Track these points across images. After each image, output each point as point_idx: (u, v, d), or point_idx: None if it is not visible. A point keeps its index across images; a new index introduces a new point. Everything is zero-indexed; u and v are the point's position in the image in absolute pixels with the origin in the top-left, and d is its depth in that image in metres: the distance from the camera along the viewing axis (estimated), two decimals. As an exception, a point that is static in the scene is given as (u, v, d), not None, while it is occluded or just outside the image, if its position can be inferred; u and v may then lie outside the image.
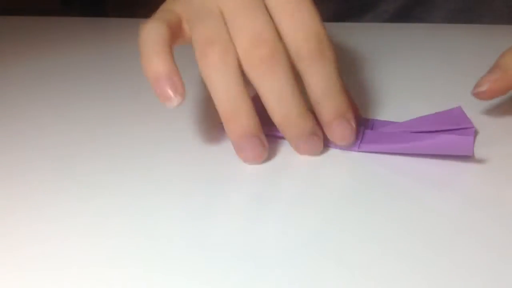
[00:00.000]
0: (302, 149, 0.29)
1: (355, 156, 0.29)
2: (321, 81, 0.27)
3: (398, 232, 0.23)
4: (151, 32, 0.28)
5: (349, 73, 0.40)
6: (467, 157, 0.28)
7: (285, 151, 0.30)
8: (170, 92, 0.26)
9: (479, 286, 0.20)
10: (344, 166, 0.28)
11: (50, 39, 0.53)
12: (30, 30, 0.57)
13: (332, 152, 0.29)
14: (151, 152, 0.30)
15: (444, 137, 0.28)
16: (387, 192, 0.26)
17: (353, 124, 0.28)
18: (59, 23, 0.59)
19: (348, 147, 0.29)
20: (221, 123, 0.29)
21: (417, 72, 0.40)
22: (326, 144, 0.30)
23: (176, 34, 0.29)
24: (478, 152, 0.29)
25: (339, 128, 0.28)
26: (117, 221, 0.24)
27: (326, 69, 0.27)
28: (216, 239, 0.23)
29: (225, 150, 0.30)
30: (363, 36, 0.48)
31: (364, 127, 0.31)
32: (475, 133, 0.30)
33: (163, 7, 0.31)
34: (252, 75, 0.27)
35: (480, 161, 0.28)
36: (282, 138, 0.30)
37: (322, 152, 0.29)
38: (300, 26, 0.27)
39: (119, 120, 0.34)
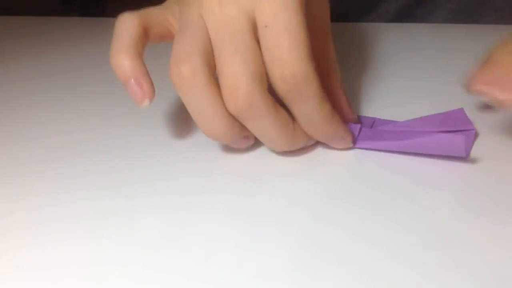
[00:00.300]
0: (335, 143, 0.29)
1: (354, 154, 0.29)
2: (303, 117, 0.27)
3: (397, 231, 0.23)
4: (124, 27, 0.28)
5: (350, 73, 0.40)
6: (465, 157, 0.28)
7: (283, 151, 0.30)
8: (139, 95, 0.27)
9: (478, 285, 0.20)
10: (343, 165, 0.28)
11: (50, 39, 0.53)
12: (30, 30, 0.57)
13: (331, 150, 0.29)
14: (151, 152, 0.30)
15: (437, 136, 0.28)
16: (386, 191, 0.26)
17: (348, 138, 0.29)
18: (59, 23, 0.59)
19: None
20: None
21: (418, 72, 0.40)
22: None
23: (155, 32, 0.29)
24: (478, 151, 0.29)
25: (335, 145, 0.29)
26: (117, 221, 0.24)
27: (307, 107, 0.26)
28: (216, 239, 0.23)
29: (225, 150, 0.30)
30: (364, 36, 0.48)
31: (362, 125, 0.31)
32: (476, 135, 0.30)
33: (166, 2, 0.31)
34: (239, 119, 0.26)
35: (479, 160, 0.28)
36: None
37: (320, 151, 0.29)
38: (277, 66, 0.25)
39: (119, 120, 0.34)
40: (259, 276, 0.21)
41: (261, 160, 0.29)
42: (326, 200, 0.25)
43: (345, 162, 0.29)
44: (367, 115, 0.33)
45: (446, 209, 0.25)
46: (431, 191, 0.26)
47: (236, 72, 0.25)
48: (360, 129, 0.30)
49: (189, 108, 0.27)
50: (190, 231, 0.24)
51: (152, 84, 0.28)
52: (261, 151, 0.30)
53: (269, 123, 0.26)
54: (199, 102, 0.26)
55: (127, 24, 0.28)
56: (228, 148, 0.30)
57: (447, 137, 0.27)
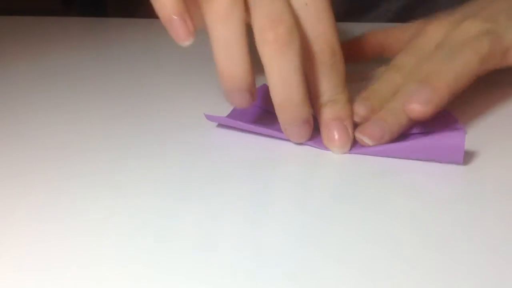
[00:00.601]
0: (292, 133, 0.29)
1: (353, 155, 0.29)
2: (330, 88, 0.29)
3: (397, 231, 0.23)
4: None
5: (349, 73, 0.40)
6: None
7: (284, 151, 0.30)
8: (182, 32, 0.28)
9: (478, 285, 0.20)
10: (343, 165, 0.28)
11: (50, 39, 0.53)
12: (30, 30, 0.57)
13: (330, 151, 0.29)
14: (151, 152, 0.30)
15: (435, 142, 0.28)
16: (385, 191, 0.26)
17: (350, 132, 0.29)
18: (59, 23, 0.59)
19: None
20: (218, 121, 0.29)
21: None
22: (319, 146, 0.30)
23: None
24: (472, 148, 0.29)
25: (336, 129, 0.29)
26: (117, 221, 0.24)
27: (335, 80, 0.29)
28: (216, 239, 0.23)
29: (225, 151, 0.30)
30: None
31: None
32: (464, 132, 0.30)
33: None
34: (264, 52, 0.27)
35: (476, 159, 0.28)
36: (280, 138, 0.30)
37: (318, 152, 0.29)
38: (317, 36, 0.29)
39: (119, 120, 0.34)
40: (259, 276, 0.21)
41: (261, 160, 0.29)
42: (325, 200, 0.25)
43: (344, 162, 0.29)
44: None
45: (446, 209, 0.25)
46: (430, 191, 0.26)
47: (280, 7, 0.27)
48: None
49: (217, 40, 0.28)
50: (190, 232, 0.23)
51: (194, 22, 0.29)
52: (261, 152, 0.30)
53: (295, 64, 0.27)
54: (232, 34, 0.27)
55: None
56: (228, 149, 0.30)
57: (446, 146, 0.27)
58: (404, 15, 0.55)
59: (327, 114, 0.30)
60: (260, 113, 0.33)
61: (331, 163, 0.29)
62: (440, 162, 0.28)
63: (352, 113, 0.30)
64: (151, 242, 0.23)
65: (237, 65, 0.27)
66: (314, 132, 0.30)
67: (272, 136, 0.31)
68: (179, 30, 0.28)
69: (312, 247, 0.22)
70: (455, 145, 0.27)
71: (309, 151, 0.30)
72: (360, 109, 0.30)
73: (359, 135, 0.29)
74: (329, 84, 0.29)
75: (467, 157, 0.28)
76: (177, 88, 0.40)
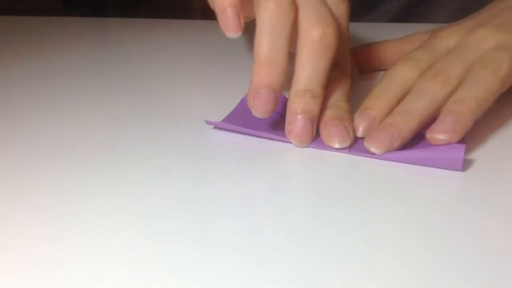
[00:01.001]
0: (296, 126, 0.29)
1: (352, 155, 0.29)
2: (337, 94, 0.31)
3: (397, 232, 0.23)
4: None
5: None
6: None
7: (283, 153, 0.30)
8: (233, 24, 0.29)
9: (478, 286, 0.20)
10: (342, 165, 0.28)
11: (50, 39, 0.53)
12: (30, 30, 0.57)
13: (329, 152, 0.30)
14: (151, 152, 0.30)
15: (434, 153, 0.27)
16: (384, 193, 0.26)
17: (351, 132, 0.29)
18: (59, 23, 0.59)
19: (339, 150, 0.29)
20: (218, 125, 0.29)
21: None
22: (319, 146, 0.30)
23: None
24: (473, 152, 0.29)
25: (336, 128, 0.29)
26: (117, 221, 0.24)
27: (343, 89, 0.31)
28: (216, 239, 0.23)
29: (225, 152, 0.30)
30: (365, 36, 0.48)
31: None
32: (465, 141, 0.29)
33: None
34: (306, 48, 0.29)
35: (476, 161, 0.28)
36: (283, 141, 0.30)
37: (318, 154, 0.29)
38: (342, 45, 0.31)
39: (119, 120, 0.34)
40: (259, 276, 0.21)
41: (261, 160, 0.29)
42: (325, 201, 0.25)
43: (344, 163, 0.29)
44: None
45: (445, 211, 0.24)
46: (430, 191, 0.26)
47: (328, 11, 0.30)
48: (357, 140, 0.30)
49: (265, 25, 0.29)
50: (190, 232, 0.23)
51: (245, 17, 0.30)
52: (261, 153, 0.30)
53: (327, 65, 0.30)
54: (281, 27, 0.29)
55: None
56: (228, 150, 0.30)
57: (445, 155, 0.27)
58: (405, 15, 0.55)
59: (328, 115, 0.30)
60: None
61: (331, 165, 0.29)
62: (440, 168, 0.27)
63: (352, 119, 0.30)
64: (150, 242, 0.23)
65: (277, 58, 0.28)
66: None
67: (273, 139, 0.31)
68: (230, 22, 0.29)
69: (312, 247, 0.22)
70: (455, 154, 0.27)
71: (309, 153, 0.30)
72: (363, 122, 0.30)
73: (366, 144, 0.29)
74: (337, 90, 0.31)
75: (466, 159, 0.28)
76: (177, 88, 0.40)
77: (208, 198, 0.26)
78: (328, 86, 0.31)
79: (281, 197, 0.26)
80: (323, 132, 0.30)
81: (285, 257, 0.22)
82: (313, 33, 0.29)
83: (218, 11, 0.30)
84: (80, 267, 0.21)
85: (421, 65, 0.32)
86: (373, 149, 0.28)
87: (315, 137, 0.30)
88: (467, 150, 0.29)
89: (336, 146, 0.29)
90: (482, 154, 0.29)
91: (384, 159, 0.28)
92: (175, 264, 0.21)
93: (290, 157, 0.29)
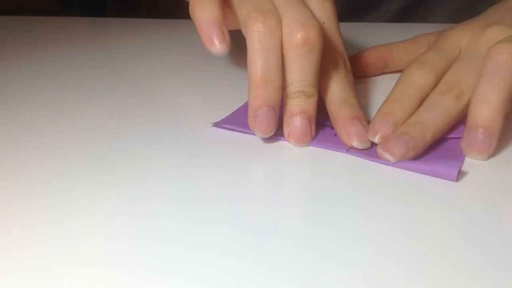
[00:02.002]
0: (295, 127, 0.30)
1: (352, 157, 0.29)
2: (343, 91, 0.31)
3: (397, 232, 0.23)
4: None
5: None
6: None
7: (283, 153, 0.30)
8: (216, 39, 0.29)
9: (477, 285, 0.20)
10: (342, 165, 0.28)
11: (50, 39, 0.53)
12: (30, 30, 0.57)
13: (329, 151, 0.30)
14: (151, 152, 0.30)
15: (431, 166, 0.27)
16: (384, 193, 0.26)
17: (367, 128, 0.30)
18: (59, 23, 0.59)
19: (337, 149, 0.30)
20: (216, 124, 0.29)
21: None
22: (317, 145, 0.30)
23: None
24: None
25: (355, 128, 0.30)
26: (117, 221, 0.24)
27: (348, 86, 0.32)
28: (216, 239, 0.23)
29: (225, 153, 0.30)
30: (365, 37, 0.48)
31: None
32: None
33: None
34: (290, 53, 0.29)
35: (476, 162, 0.28)
36: (284, 140, 0.30)
37: (318, 153, 0.29)
38: (334, 44, 0.32)
39: (119, 120, 0.34)
40: (259, 276, 0.21)
41: (261, 160, 0.29)
42: (325, 201, 0.25)
43: (343, 163, 0.29)
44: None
45: (445, 209, 0.24)
46: (430, 191, 0.26)
47: (309, 12, 0.30)
48: None
49: (257, 48, 0.29)
50: (190, 232, 0.23)
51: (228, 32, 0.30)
52: (261, 152, 0.30)
53: (315, 66, 0.30)
54: (272, 46, 0.29)
55: None
56: (228, 151, 0.30)
57: (442, 168, 0.27)
58: (404, 16, 0.55)
59: (345, 113, 0.30)
60: None
61: (330, 164, 0.29)
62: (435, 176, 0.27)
63: (366, 117, 0.31)
64: (151, 242, 0.23)
65: (271, 78, 0.29)
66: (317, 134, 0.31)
67: (274, 138, 0.31)
68: (214, 34, 0.29)
69: (312, 247, 0.22)
70: (452, 165, 0.27)
71: (308, 153, 0.30)
72: (383, 128, 0.29)
73: (381, 151, 0.28)
74: (345, 85, 0.31)
75: (466, 160, 0.28)
76: (177, 87, 0.40)
77: (208, 198, 0.26)
78: (335, 81, 0.31)
79: (281, 196, 0.26)
80: (342, 131, 0.30)
81: (285, 257, 0.22)
82: (296, 38, 0.29)
83: (198, 26, 0.30)
84: (80, 267, 0.21)
85: (437, 69, 0.32)
86: (387, 156, 0.28)
87: (314, 135, 0.30)
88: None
89: (355, 145, 0.29)
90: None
91: (381, 163, 0.28)
92: (174, 263, 0.21)
93: (289, 156, 0.29)
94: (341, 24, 0.34)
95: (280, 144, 0.31)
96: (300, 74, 0.29)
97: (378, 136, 0.29)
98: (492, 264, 0.21)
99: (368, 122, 0.31)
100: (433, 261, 0.21)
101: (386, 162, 0.28)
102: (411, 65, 0.32)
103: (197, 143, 0.31)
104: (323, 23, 0.32)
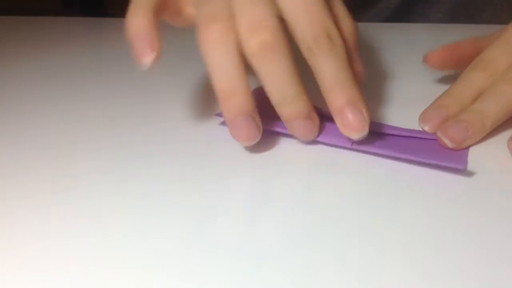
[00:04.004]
0: (298, 131, 0.29)
1: (353, 156, 0.29)
2: (332, 72, 0.27)
3: (396, 232, 0.23)
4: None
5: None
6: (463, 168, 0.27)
7: (285, 150, 0.30)
8: (146, 48, 0.28)
9: (477, 285, 0.20)
10: (342, 165, 0.28)
11: (50, 39, 0.53)
12: (30, 30, 0.57)
13: (329, 152, 0.29)
14: (151, 152, 0.30)
15: (439, 155, 0.27)
16: (385, 193, 0.26)
17: (366, 114, 0.27)
18: (59, 23, 0.59)
19: (341, 143, 0.29)
20: (217, 115, 0.29)
21: (416, 73, 0.39)
22: (321, 140, 0.30)
23: (168, 7, 0.30)
24: (476, 152, 0.29)
25: (351, 116, 0.27)
26: (117, 221, 0.24)
27: (337, 62, 0.27)
28: (216, 239, 0.23)
29: (226, 151, 0.30)
30: (364, 36, 0.48)
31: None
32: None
33: None
34: (252, 60, 0.27)
35: (478, 162, 0.28)
36: (285, 134, 0.30)
37: (319, 152, 0.29)
38: (309, 21, 0.27)
39: (119, 120, 0.34)
40: (259, 276, 0.21)
41: (261, 159, 0.29)
42: (326, 201, 0.25)
43: (346, 162, 0.29)
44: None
45: (445, 208, 0.24)
46: (429, 191, 0.26)
47: (262, 10, 0.27)
48: None
49: (213, 67, 0.27)
50: (190, 233, 0.23)
51: (161, 45, 0.28)
52: (262, 150, 0.30)
53: (287, 65, 0.27)
54: (227, 60, 0.27)
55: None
56: (229, 149, 0.30)
57: (450, 157, 0.27)
58: (403, 12, 0.55)
59: (337, 101, 0.27)
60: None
61: (333, 164, 0.29)
62: (442, 165, 0.27)
63: (362, 95, 0.28)
64: (151, 241, 0.23)
65: (236, 87, 0.27)
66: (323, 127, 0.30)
67: (279, 132, 0.30)
68: (143, 48, 0.28)
69: (312, 247, 0.22)
70: (460, 154, 0.27)
71: (311, 151, 0.30)
72: (435, 117, 0.29)
73: (440, 134, 0.28)
74: (331, 70, 0.27)
75: (470, 160, 0.28)
76: (177, 87, 0.40)
77: (208, 198, 0.26)
78: (323, 66, 0.27)
79: (280, 196, 0.26)
80: (338, 123, 0.28)
81: (285, 256, 0.22)
82: (250, 45, 0.27)
83: (129, 37, 0.28)
84: (80, 267, 0.22)
85: (498, 69, 0.31)
86: (446, 141, 0.28)
87: (323, 130, 0.30)
88: (472, 149, 0.29)
89: (353, 137, 0.28)
90: (485, 154, 0.29)
91: (385, 155, 0.28)
92: (175, 263, 0.21)
93: (288, 155, 0.29)
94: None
95: (279, 141, 0.30)
96: (275, 83, 0.27)
97: (429, 125, 0.29)
98: (493, 264, 0.21)
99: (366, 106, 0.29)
100: (433, 261, 0.21)
101: (392, 154, 0.28)
102: (474, 64, 0.32)
103: (197, 143, 0.31)
104: None
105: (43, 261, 0.22)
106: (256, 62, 0.27)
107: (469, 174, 0.27)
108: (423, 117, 0.30)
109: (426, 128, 0.29)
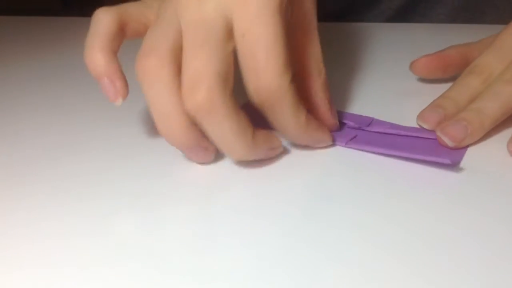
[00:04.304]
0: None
1: (348, 155, 0.29)
2: (278, 126, 0.27)
3: (395, 231, 0.23)
4: (99, 23, 0.29)
5: (349, 73, 0.40)
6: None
7: (281, 152, 0.30)
8: (112, 93, 0.28)
9: (477, 285, 0.20)
10: (341, 165, 0.28)
11: (50, 39, 0.53)
12: (30, 30, 0.57)
13: (326, 150, 0.29)
14: (151, 152, 0.30)
15: (434, 152, 0.28)
16: (383, 192, 0.26)
17: (326, 140, 0.29)
18: (59, 23, 0.59)
19: (337, 141, 0.30)
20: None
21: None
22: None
23: (132, 28, 0.29)
24: (475, 151, 0.29)
25: (313, 146, 0.29)
26: (117, 221, 0.24)
27: (280, 117, 0.26)
28: (214, 240, 0.23)
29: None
30: (364, 36, 0.48)
31: (359, 125, 0.31)
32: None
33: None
34: (197, 120, 0.25)
35: (474, 159, 0.28)
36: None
37: (316, 153, 0.29)
38: (252, 76, 0.25)
39: (119, 120, 0.34)
40: (258, 276, 0.21)
41: (260, 160, 0.29)
42: (324, 201, 0.25)
43: (343, 163, 0.29)
44: (366, 114, 0.33)
45: (445, 208, 0.24)
46: (428, 190, 0.26)
47: (200, 66, 0.24)
48: (355, 133, 0.30)
49: (149, 104, 0.26)
50: (189, 233, 0.23)
51: (125, 82, 0.28)
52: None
53: (227, 127, 0.25)
54: (160, 98, 0.25)
55: (103, 21, 0.28)
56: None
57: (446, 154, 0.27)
58: (405, 13, 0.54)
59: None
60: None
61: (330, 164, 0.29)
62: (437, 162, 0.27)
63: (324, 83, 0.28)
64: (151, 241, 0.23)
65: (173, 128, 0.26)
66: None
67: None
68: (108, 91, 0.28)
69: (312, 247, 0.22)
70: (457, 151, 0.27)
71: (308, 152, 0.30)
72: (432, 116, 0.30)
73: (439, 134, 0.29)
74: (273, 121, 0.26)
75: (466, 159, 0.28)
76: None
77: (208, 198, 0.26)
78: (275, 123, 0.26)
79: (280, 195, 0.26)
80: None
81: (285, 256, 0.22)
82: (187, 106, 0.24)
83: (96, 80, 0.28)
84: (80, 267, 0.21)
85: (495, 73, 0.31)
86: (445, 140, 0.28)
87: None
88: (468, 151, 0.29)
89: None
90: (483, 152, 0.29)
91: (381, 153, 0.28)
92: (175, 264, 0.21)
93: (287, 154, 0.29)
94: (340, 24, 0.34)
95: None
96: (215, 139, 0.26)
97: (426, 125, 0.30)
98: (493, 264, 0.21)
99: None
100: (433, 261, 0.21)
101: (385, 152, 0.28)
102: (469, 69, 0.32)
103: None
104: (243, 35, 0.24)
105: (43, 261, 0.22)
106: (200, 123, 0.25)
107: (468, 173, 0.27)
108: (421, 117, 0.31)
109: (425, 126, 0.30)
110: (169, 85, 0.25)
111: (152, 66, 0.25)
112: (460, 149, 0.28)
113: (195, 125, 0.25)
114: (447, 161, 0.26)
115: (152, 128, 0.33)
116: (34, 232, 0.24)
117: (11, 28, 0.57)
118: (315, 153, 0.29)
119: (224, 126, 0.25)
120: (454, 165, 0.27)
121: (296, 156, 0.29)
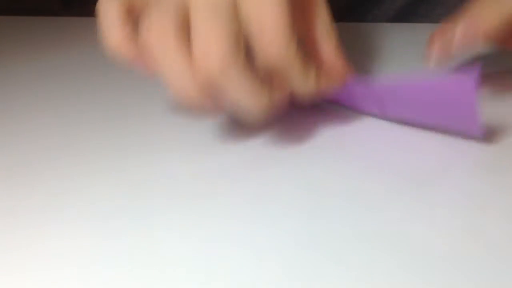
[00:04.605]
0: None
1: (351, 151, 0.29)
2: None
3: (395, 231, 0.23)
4: (109, 11, 0.29)
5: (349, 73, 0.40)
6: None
7: (283, 150, 0.30)
8: (143, 71, 0.28)
9: (477, 285, 0.20)
10: (342, 164, 0.28)
11: (50, 39, 0.53)
12: (30, 30, 0.57)
13: (325, 148, 0.29)
14: (151, 152, 0.30)
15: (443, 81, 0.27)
16: (384, 192, 0.26)
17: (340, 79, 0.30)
18: (59, 23, 0.59)
19: (368, 109, 0.31)
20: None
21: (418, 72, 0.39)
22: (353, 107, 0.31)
23: (138, 10, 0.30)
24: (479, 145, 0.29)
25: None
26: (117, 222, 0.24)
27: (291, 81, 0.27)
28: (214, 240, 0.23)
29: (224, 150, 0.30)
30: (364, 37, 0.48)
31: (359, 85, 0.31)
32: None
33: None
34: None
35: (480, 158, 0.28)
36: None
37: (317, 151, 0.29)
38: (261, 46, 0.25)
39: (119, 120, 0.34)
40: (257, 276, 0.21)
41: (260, 159, 0.29)
42: (325, 200, 0.25)
43: (344, 161, 0.29)
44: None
45: (445, 208, 0.24)
46: (428, 190, 0.26)
47: (212, 32, 0.24)
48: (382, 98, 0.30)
49: (161, 65, 0.26)
50: (189, 233, 0.23)
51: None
52: (260, 151, 0.30)
53: (242, 91, 0.25)
54: (173, 57, 0.26)
55: (112, 8, 0.29)
56: (228, 149, 0.30)
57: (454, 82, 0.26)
58: (406, 13, 0.55)
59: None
60: None
61: (330, 164, 0.29)
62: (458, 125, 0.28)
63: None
64: (151, 243, 0.23)
65: (188, 90, 0.26)
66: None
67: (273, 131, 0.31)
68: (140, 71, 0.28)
69: (312, 247, 0.22)
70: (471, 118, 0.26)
71: (308, 150, 0.30)
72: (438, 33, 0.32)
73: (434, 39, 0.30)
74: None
75: (467, 154, 0.28)
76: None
77: (208, 198, 0.26)
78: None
79: (279, 195, 0.26)
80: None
81: (285, 256, 0.22)
82: (200, 76, 0.25)
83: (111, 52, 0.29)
84: (80, 267, 0.21)
85: None
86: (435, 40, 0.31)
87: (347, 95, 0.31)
88: (473, 148, 0.29)
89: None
90: (485, 151, 0.29)
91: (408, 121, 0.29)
92: (175, 264, 0.21)
93: (287, 154, 0.29)
94: (340, 24, 0.34)
95: (277, 140, 0.30)
96: (240, 102, 0.26)
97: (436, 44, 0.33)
98: (494, 264, 0.21)
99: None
100: (433, 261, 0.21)
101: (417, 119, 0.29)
102: None
103: (198, 142, 0.31)
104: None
105: (43, 261, 0.22)
106: (211, 85, 0.26)
107: (468, 173, 0.27)
108: (430, 40, 0.32)
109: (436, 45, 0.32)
110: (180, 47, 0.25)
111: (162, 28, 0.26)
112: (474, 115, 0.27)
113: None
114: (476, 132, 0.26)
115: (152, 128, 0.33)
116: (34, 232, 0.24)
117: (11, 28, 0.57)
118: (315, 152, 0.29)
119: (239, 91, 0.25)
120: (478, 131, 0.27)
121: (296, 156, 0.29)
